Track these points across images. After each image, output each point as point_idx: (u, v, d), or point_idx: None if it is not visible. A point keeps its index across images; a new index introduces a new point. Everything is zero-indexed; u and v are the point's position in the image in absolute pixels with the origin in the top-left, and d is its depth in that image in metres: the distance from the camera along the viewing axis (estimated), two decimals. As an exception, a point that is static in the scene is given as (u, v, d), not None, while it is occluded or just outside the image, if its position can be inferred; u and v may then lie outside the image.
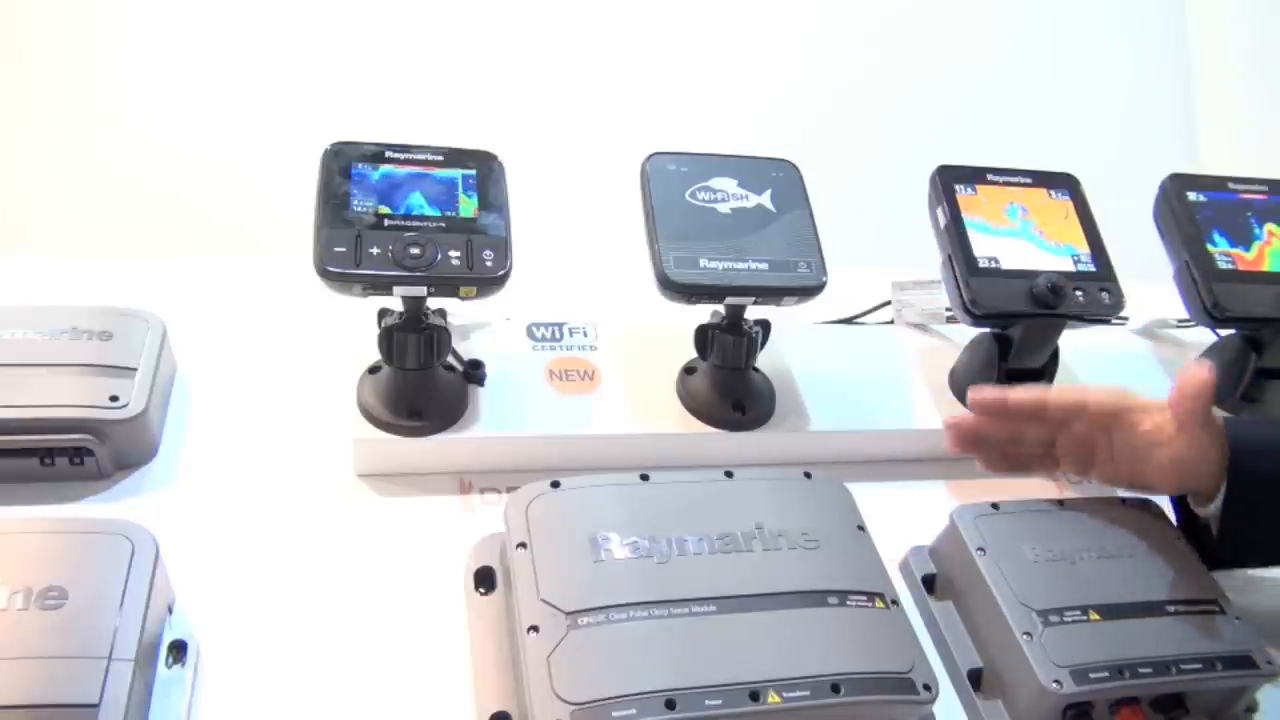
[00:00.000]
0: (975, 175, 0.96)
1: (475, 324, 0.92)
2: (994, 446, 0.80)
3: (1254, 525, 0.76)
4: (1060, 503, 0.82)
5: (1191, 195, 1.01)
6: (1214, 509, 0.76)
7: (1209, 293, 0.96)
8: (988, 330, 0.95)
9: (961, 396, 0.97)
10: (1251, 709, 0.76)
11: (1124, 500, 0.85)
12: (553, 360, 0.91)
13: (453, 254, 0.75)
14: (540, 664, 0.62)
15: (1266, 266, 0.98)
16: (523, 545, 0.69)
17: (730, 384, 0.89)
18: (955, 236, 0.92)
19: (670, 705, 0.61)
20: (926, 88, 2.18)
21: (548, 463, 0.84)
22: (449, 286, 0.76)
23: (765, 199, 0.87)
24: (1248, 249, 0.99)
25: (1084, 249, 0.95)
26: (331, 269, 0.73)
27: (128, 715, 0.57)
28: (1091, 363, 1.03)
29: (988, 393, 0.78)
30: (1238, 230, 1.00)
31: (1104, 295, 0.92)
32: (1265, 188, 1.04)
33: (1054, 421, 0.79)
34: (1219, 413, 0.76)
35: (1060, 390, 0.79)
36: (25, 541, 0.63)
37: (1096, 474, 0.79)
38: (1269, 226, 1.01)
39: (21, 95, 1.82)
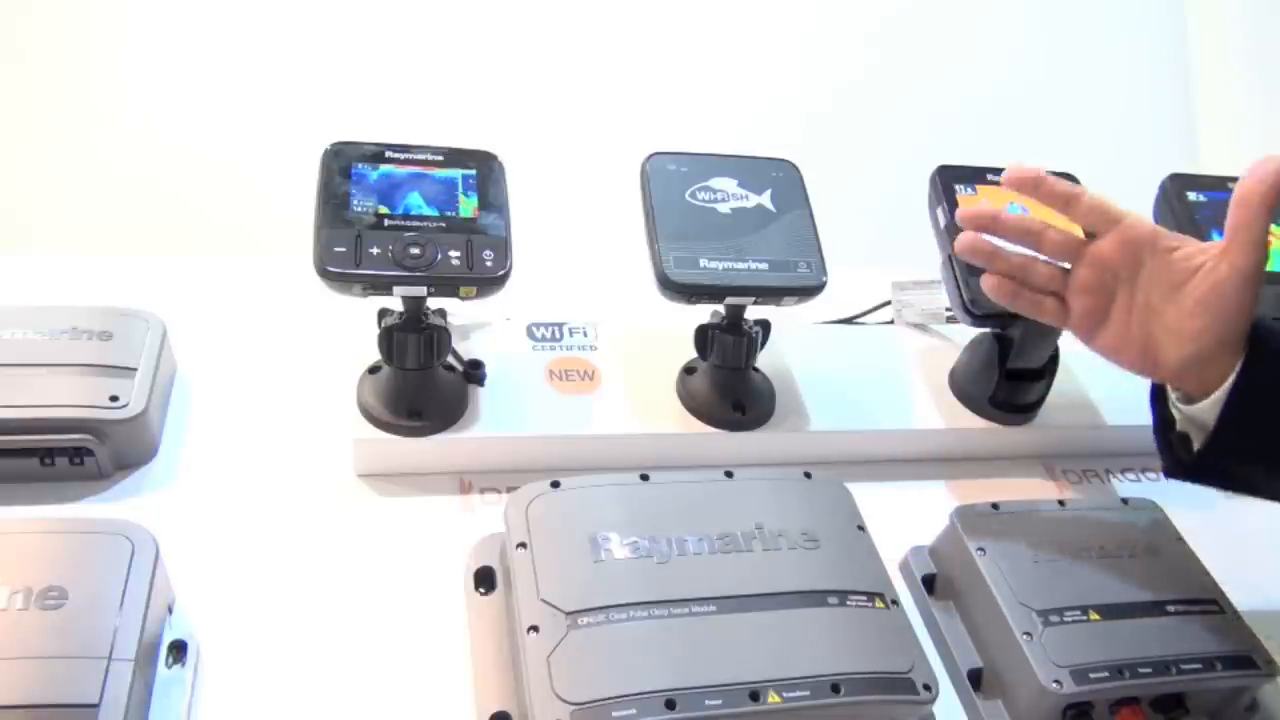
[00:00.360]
0: (975, 175, 0.96)
1: (475, 324, 0.92)
2: (1006, 261, 0.73)
3: (1255, 423, 0.66)
4: (1060, 503, 0.82)
5: (1191, 195, 1.01)
6: (1204, 405, 0.67)
7: (1209, 293, 0.95)
8: (988, 330, 0.95)
9: (962, 397, 0.97)
10: (1252, 709, 0.76)
11: (1124, 500, 0.85)
12: (553, 360, 0.91)
13: (453, 254, 0.75)
14: (540, 664, 0.62)
15: (1269, 267, 0.98)
16: (523, 545, 0.69)
17: (730, 384, 0.89)
18: (955, 236, 0.92)
19: (670, 705, 0.61)
20: (926, 88, 2.18)
21: (548, 463, 0.84)
22: (449, 286, 0.76)
23: (765, 199, 0.87)
24: None
25: (1084, 249, 0.95)
26: (331, 269, 0.73)
27: (128, 715, 0.57)
28: (1091, 363, 1.03)
29: (1024, 171, 0.71)
30: (1224, 229, 0.99)
31: (1104, 295, 0.92)
32: (1265, 188, 1.03)
33: (1074, 247, 0.72)
34: None
35: (1095, 196, 0.71)
36: (25, 541, 0.63)
37: (1106, 333, 0.72)
38: (1270, 227, 1.00)
39: (21, 95, 1.82)
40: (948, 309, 1.00)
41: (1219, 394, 0.66)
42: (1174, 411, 0.71)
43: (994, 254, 0.74)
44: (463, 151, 0.81)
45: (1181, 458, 0.71)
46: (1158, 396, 0.74)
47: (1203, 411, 0.68)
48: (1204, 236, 0.98)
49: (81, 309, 0.81)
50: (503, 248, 0.77)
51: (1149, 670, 0.70)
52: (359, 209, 0.76)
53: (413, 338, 0.78)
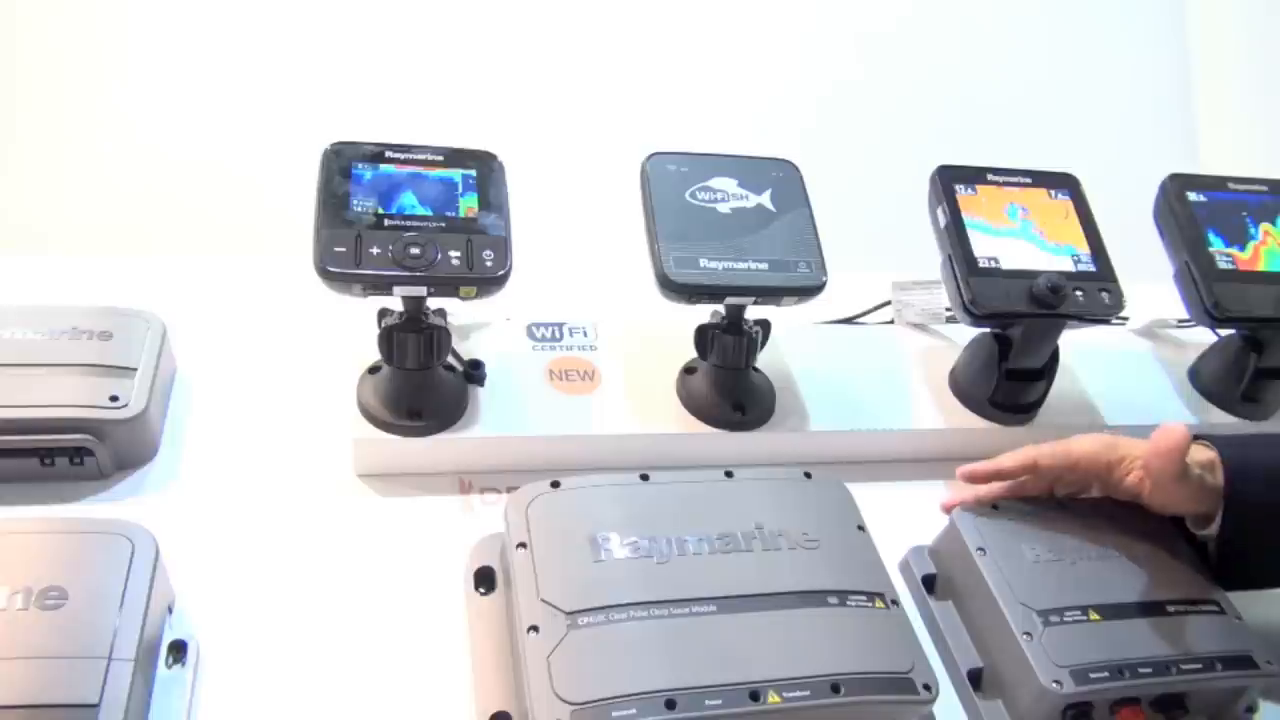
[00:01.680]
0: (975, 175, 0.96)
1: (475, 324, 0.92)
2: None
3: (1252, 550, 0.77)
4: (1060, 503, 0.82)
5: (1191, 195, 1.01)
6: (1212, 531, 0.77)
7: (1209, 293, 0.96)
8: (988, 330, 0.95)
9: (962, 397, 0.97)
10: (1252, 709, 0.76)
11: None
12: (553, 360, 0.91)
13: (453, 254, 0.75)
14: (540, 664, 0.62)
15: (1261, 266, 0.98)
16: (523, 545, 0.69)
17: (730, 384, 0.89)
18: (955, 236, 0.92)
19: (670, 705, 0.61)
20: (926, 88, 2.18)
21: (548, 463, 0.84)
22: (449, 286, 0.76)
23: (765, 199, 0.87)
24: (1243, 249, 0.99)
25: (1084, 249, 0.95)
26: (331, 269, 0.73)
27: (128, 715, 0.57)
28: (1091, 363, 1.03)
29: (979, 467, 0.82)
30: (1233, 230, 0.99)
31: (1104, 295, 0.92)
32: (1265, 188, 1.04)
33: (1048, 477, 0.81)
34: (1204, 452, 0.77)
35: (1048, 452, 0.80)
36: (25, 541, 0.63)
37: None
38: (1264, 226, 1.01)
39: (22, 95, 1.82)
40: (948, 309, 1.00)
41: (1214, 528, 0.77)
42: (1193, 530, 0.81)
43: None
44: (463, 151, 0.81)
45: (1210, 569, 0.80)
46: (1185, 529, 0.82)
47: (1208, 536, 0.78)
48: (1203, 236, 0.98)
49: (81, 309, 0.81)
50: (503, 248, 0.77)
51: (1149, 670, 0.70)
52: (359, 209, 0.76)
53: (413, 338, 0.78)
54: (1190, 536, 0.81)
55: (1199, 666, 0.71)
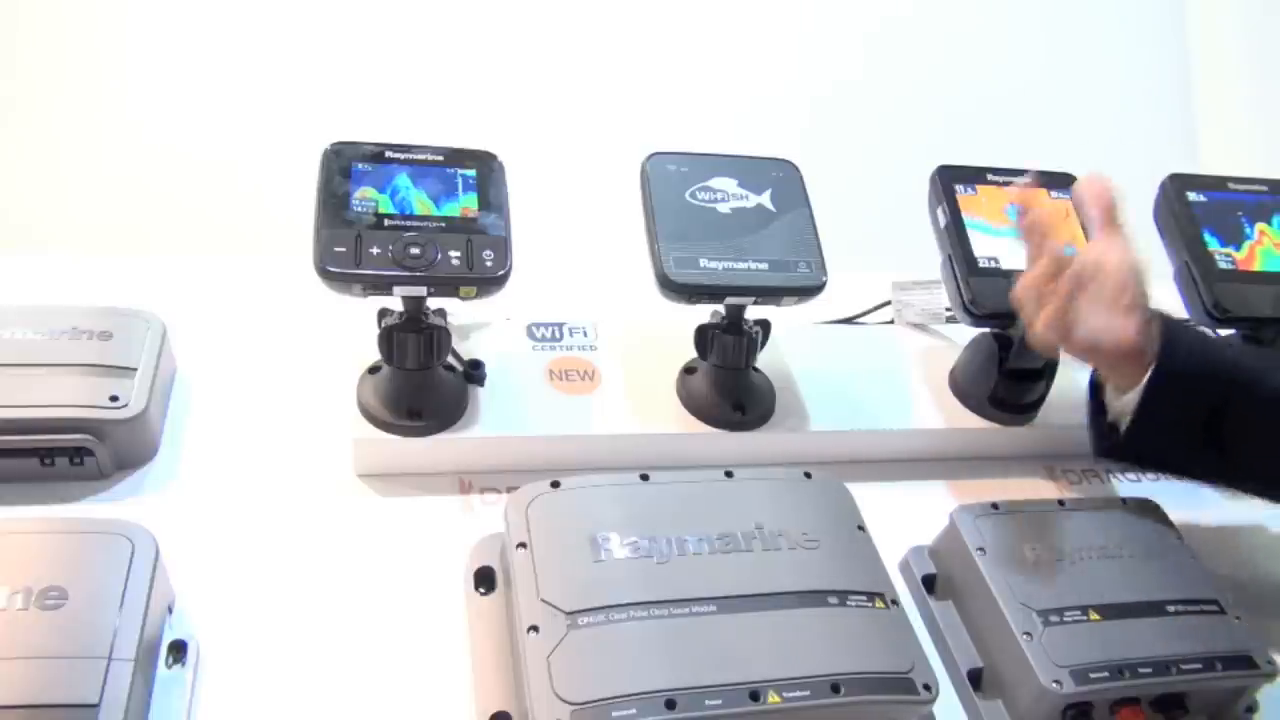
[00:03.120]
0: (975, 175, 0.96)
1: (475, 324, 0.92)
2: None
3: (1165, 423, 0.79)
4: (1060, 503, 0.82)
5: (1191, 195, 1.01)
6: (1130, 398, 0.79)
7: (1209, 293, 0.95)
8: (988, 330, 0.95)
9: (962, 397, 0.97)
10: (1252, 709, 0.76)
11: (1124, 500, 0.85)
12: (553, 360, 0.91)
13: (453, 254, 0.75)
14: (540, 664, 0.62)
15: (1257, 266, 0.98)
16: (523, 545, 0.69)
17: (730, 384, 0.89)
18: (955, 236, 0.92)
19: (670, 705, 0.61)
20: (926, 87, 2.18)
21: (548, 463, 0.84)
22: (449, 286, 0.76)
23: (765, 199, 0.87)
24: (1238, 248, 0.99)
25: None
26: (331, 269, 0.73)
27: (128, 715, 0.57)
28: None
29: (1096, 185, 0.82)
30: (1228, 230, 0.99)
31: (1104, 295, 0.92)
32: (1265, 188, 1.04)
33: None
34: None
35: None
36: (25, 541, 0.63)
37: (1079, 331, 0.79)
38: (1260, 226, 1.01)
39: (22, 95, 1.82)
40: (948, 309, 1.00)
41: (1141, 384, 0.78)
42: (1108, 406, 0.82)
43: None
44: (463, 151, 0.81)
45: (1110, 440, 0.82)
46: (1095, 390, 0.84)
47: (1128, 403, 0.79)
48: (1199, 236, 0.99)
49: (81, 309, 0.81)
50: (503, 248, 0.77)
51: (1149, 670, 0.70)
52: (359, 209, 0.76)
53: (413, 338, 0.78)
54: (1099, 411, 0.82)
55: (1199, 666, 0.71)
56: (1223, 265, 0.97)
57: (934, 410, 0.96)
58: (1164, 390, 0.77)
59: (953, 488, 0.93)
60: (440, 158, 0.80)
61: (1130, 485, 0.97)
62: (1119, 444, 0.81)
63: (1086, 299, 0.78)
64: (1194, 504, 0.89)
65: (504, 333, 0.92)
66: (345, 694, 0.68)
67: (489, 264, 0.76)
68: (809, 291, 0.83)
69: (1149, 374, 0.77)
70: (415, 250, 0.74)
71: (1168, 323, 0.79)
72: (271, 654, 0.69)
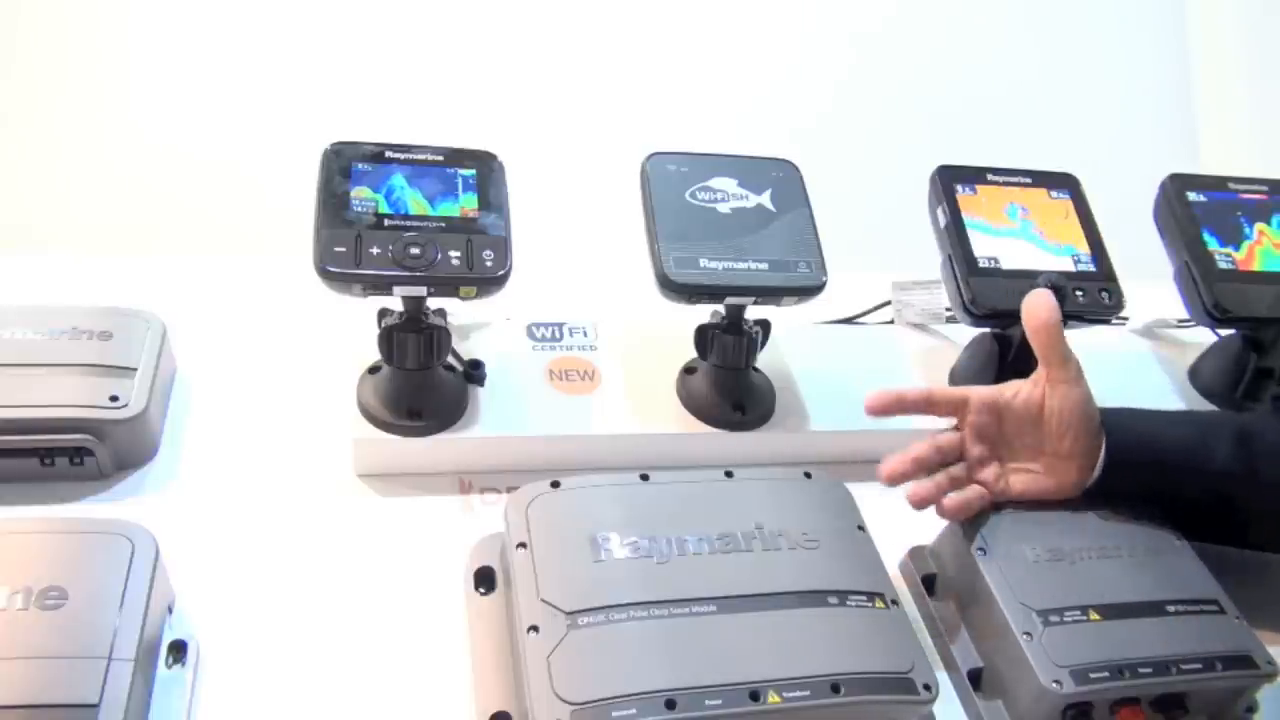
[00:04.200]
0: (975, 175, 0.96)
1: (475, 324, 0.92)
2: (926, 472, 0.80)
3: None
4: (1061, 503, 0.81)
5: (1191, 195, 1.01)
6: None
7: (1209, 293, 0.96)
8: (988, 330, 0.95)
9: (961, 396, 0.97)
10: (1252, 709, 0.76)
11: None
12: (553, 360, 0.91)
13: (453, 254, 0.75)
14: (540, 664, 0.62)
15: (1256, 266, 0.98)
16: (523, 545, 0.69)
17: (730, 384, 0.89)
18: (955, 236, 0.92)
19: (670, 705, 0.61)
20: (926, 87, 2.18)
21: (548, 463, 0.84)
22: (449, 286, 0.76)
23: (765, 199, 0.87)
24: (1237, 248, 0.99)
25: (1084, 249, 0.95)
26: (331, 269, 0.73)
27: (128, 715, 0.57)
28: (1091, 363, 1.03)
29: (880, 395, 0.79)
30: (1227, 230, 1.00)
31: (1104, 295, 0.92)
32: (1265, 188, 1.04)
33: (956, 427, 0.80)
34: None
35: (943, 389, 0.81)
36: (25, 541, 0.63)
37: (1012, 481, 0.79)
38: (1259, 226, 1.01)
39: (22, 95, 1.82)
40: (948, 309, 1.00)
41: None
42: None
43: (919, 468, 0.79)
44: (463, 151, 0.81)
45: None
46: None
47: None
48: (1199, 236, 0.99)
49: (81, 309, 0.81)
50: (503, 248, 0.77)
51: (1149, 670, 0.70)
52: (359, 209, 0.76)
53: (413, 338, 0.78)
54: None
55: (1199, 666, 0.71)
56: (1223, 265, 0.97)
57: (934, 410, 0.96)
58: (1109, 493, 0.79)
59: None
60: (440, 158, 0.80)
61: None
62: None
63: (1023, 450, 0.78)
64: (1194, 504, 0.88)
65: (504, 333, 0.92)
66: (345, 694, 0.68)
67: (489, 264, 0.76)
68: (809, 291, 0.83)
69: (1093, 481, 0.78)
70: (415, 250, 0.74)
71: (1110, 431, 0.78)
72: (271, 654, 0.69)
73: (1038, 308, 0.77)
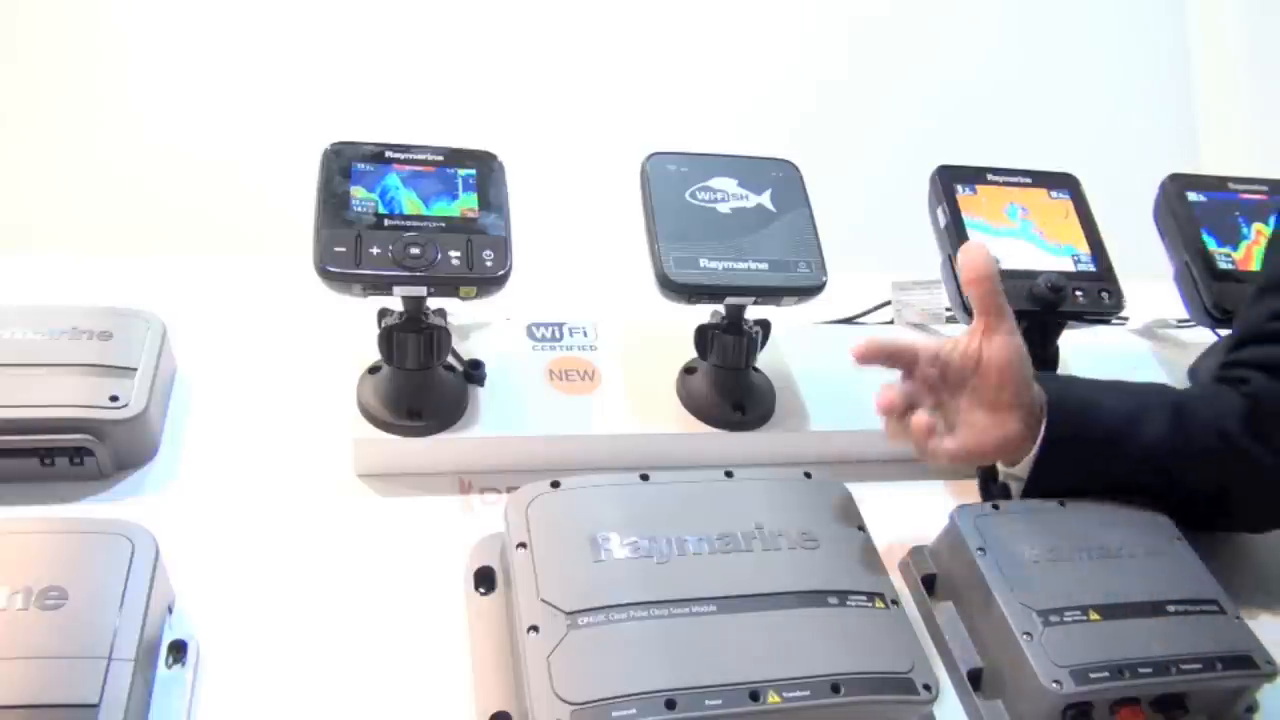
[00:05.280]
0: (975, 175, 0.96)
1: (475, 324, 0.92)
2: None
3: (1057, 486, 0.80)
4: (1060, 502, 0.82)
5: (1191, 195, 1.01)
6: (1019, 468, 0.81)
7: (1209, 293, 0.96)
8: (988, 330, 0.95)
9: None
10: (1252, 709, 0.76)
11: (1125, 501, 0.85)
12: (553, 360, 0.91)
13: (453, 254, 0.75)
14: (540, 664, 0.62)
15: (1256, 266, 0.98)
16: (523, 545, 0.69)
17: (730, 384, 0.89)
18: (955, 236, 0.92)
19: (670, 705, 0.61)
20: (926, 87, 2.18)
21: (548, 463, 0.84)
22: (449, 286, 0.76)
23: (765, 199, 0.87)
24: (1237, 248, 0.99)
25: (1084, 249, 0.95)
26: (331, 269, 0.73)
27: (128, 715, 0.56)
28: (1091, 363, 1.03)
29: (868, 342, 0.78)
30: (1225, 230, 1.00)
31: (1104, 295, 0.92)
32: (1265, 188, 1.04)
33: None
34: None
35: (896, 343, 0.80)
36: (25, 541, 0.63)
37: (960, 435, 0.78)
38: (1257, 226, 1.01)
39: (22, 95, 1.82)
40: (948, 309, 1.00)
41: (1028, 460, 0.80)
42: (999, 471, 0.85)
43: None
44: (463, 151, 0.81)
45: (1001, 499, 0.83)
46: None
47: (1018, 470, 0.82)
48: (1199, 235, 0.99)
49: (81, 309, 0.81)
50: (503, 248, 0.77)
51: (1149, 670, 0.70)
52: (359, 209, 0.76)
53: (413, 338, 0.78)
54: (990, 472, 0.84)
55: (1199, 666, 0.71)
56: (1222, 265, 0.97)
57: (934, 410, 0.96)
58: (1051, 461, 0.79)
59: (953, 488, 0.93)
60: (440, 158, 0.80)
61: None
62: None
63: (964, 402, 0.78)
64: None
65: (504, 333, 0.92)
66: (345, 694, 0.68)
67: (489, 264, 0.76)
68: (809, 291, 0.83)
69: (1034, 451, 0.79)
70: (415, 250, 0.74)
71: (1049, 392, 0.79)
72: (271, 654, 0.69)
73: (976, 260, 0.76)
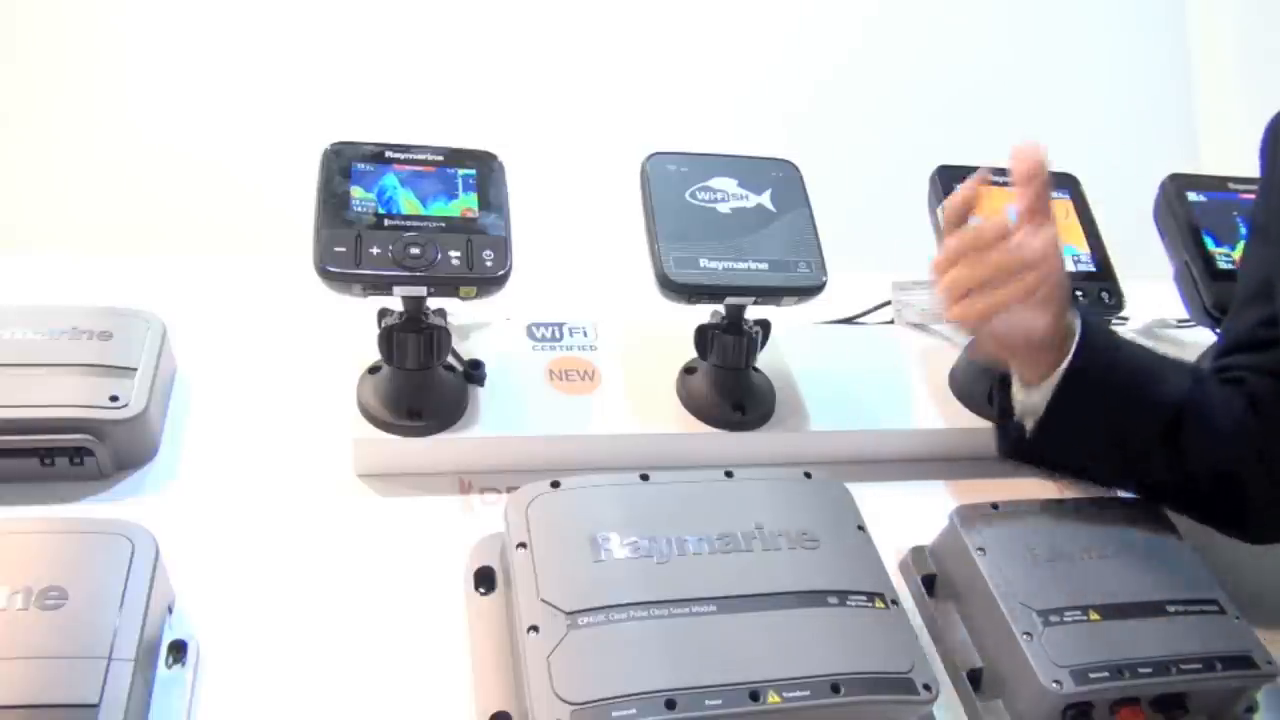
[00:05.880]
0: (975, 175, 0.96)
1: (475, 324, 0.92)
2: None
3: (1073, 423, 0.79)
4: (1060, 503, 0.82)
5: (1191, 195, 1.01)
6: (1040, 390, 0.78)
7: (1209, 293, 0.96)
8: (988, 330, 0.95)
9: (962, 396, 0.97)
10: (1252, 709, 0.76)
11: (1124, 500, 0.85)
12: (553, 360, 0.91)
13: (453, 254, 0.75)
14: (540, 664, 0.62)
15: None
16: (523, 545, 0.69)
17: (730, 384, 0.89)
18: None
19: (670, 705, 0.61)
20: (926, 87, 2.18)
21: (548, 463, 0.84)
22: (449, 286, 0.76)
23: (765, 199, 0.87)
24: (1235, 248, 0.99)
25: (1084, 249, 0.95)
26: (331, 269, 0.73)
27: (128, 715, 0.57)
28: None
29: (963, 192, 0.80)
30: (1225, 230, 1.00)
31: (1104, 295, 0.92)
32: (1265, 188, 1.03)
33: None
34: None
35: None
36: (25, 541, 0.63)
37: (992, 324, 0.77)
38: None
39: (22, 95, 1.82)
40: (947, 309, 1.00)
41: (1052, 379, 0.78)
42: (1015, 403, 0.82)
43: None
44: (463, 151, 0.81)
45: (1016, 440, 0.83)
46: (1001, 390, 0.84)
47: (1037, 402, 0.79)
48: (1199, 235, 0.99)
49: (81, 309, 0.81)
50: (503, 248, 0.77)
51: (1149, 670, 0.70)
52: (359, 209, 0.76)
53: (413, 338, 0.78)
54: (1006, 410, 0.82)
55: (1199, 666, 0.71)
56: (1222, 265, 0.97)
57: (934, 410, 0.96)
58: (1074, 389, 0.77)
59: (953, 488, 0.93)
60: (440, 158, 0.80)
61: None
62: (1025, 442, 0.81)
63: (1006, 290, 0.76)
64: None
65: (504, 333, 0.92)
66: (345, 694, 0.68)
67: (489, 264, 0.76)
68: (809, 291, 0.83)
69: (1062, 370, 0.77)
70: (415, 250, 0.74)
71: (1084, 321, 0.78)
72: (271, 654, 0.69)
73: (1029, 160, 0.77)
